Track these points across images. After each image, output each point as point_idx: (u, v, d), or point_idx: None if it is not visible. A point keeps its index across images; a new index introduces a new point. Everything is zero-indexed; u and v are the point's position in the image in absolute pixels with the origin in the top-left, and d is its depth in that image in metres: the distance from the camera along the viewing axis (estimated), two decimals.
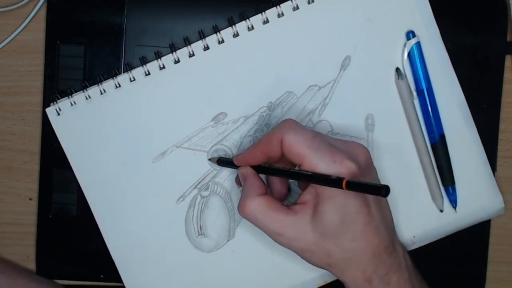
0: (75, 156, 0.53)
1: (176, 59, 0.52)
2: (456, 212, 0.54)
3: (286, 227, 0.44)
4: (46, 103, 0.53)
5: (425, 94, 0.52)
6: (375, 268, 0.44)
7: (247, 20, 0.52)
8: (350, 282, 0.45)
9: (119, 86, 0.52)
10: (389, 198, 0.48)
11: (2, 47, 0.54)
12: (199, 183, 0.53)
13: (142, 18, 0.53)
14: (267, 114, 0.53)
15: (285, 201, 0.51)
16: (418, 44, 0.52)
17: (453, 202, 0.54)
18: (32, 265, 0.56)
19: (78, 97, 0.52)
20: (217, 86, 0.53)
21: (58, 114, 0.53)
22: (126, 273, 0.54)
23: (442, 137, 0.53)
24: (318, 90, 0.53)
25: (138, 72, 0.52)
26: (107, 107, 0.52)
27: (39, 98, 0.54)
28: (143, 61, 0.53)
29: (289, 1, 0.52)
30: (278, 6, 0.52)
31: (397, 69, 0.53)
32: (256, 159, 0.47)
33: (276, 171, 0.46)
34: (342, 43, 0.53)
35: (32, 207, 0.56)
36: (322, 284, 0.54)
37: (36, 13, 0.54)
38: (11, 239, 0.56)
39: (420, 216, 0.54)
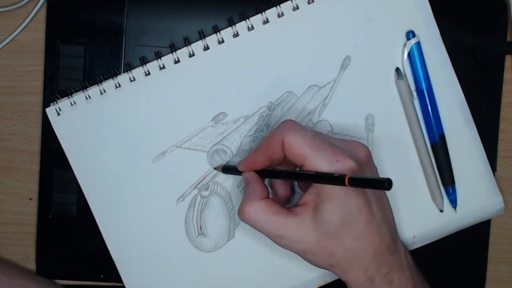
0: (75, 156, 0.53)
1: (176, 59, 0.52)
2: (456, 212, 0.54)
3: (287, 229, 0.44)
4: (46, 103, 0.53)
5: (425, 94, 0.52)
6: (377, 267, 0.44)
7: (247, 20, 0.52)
8: (352, 281, 0.45)
9: (119, 86, 0.52)
10: (389, 197, 0.48)
11: (2, 47, 0.54)
12: (199, 183, 0.53)
13: (142, 18, 0.53)
14: (267, 114, 0.53)
15: (290, 203, 0.51)
16: (418, 44, 0.52)
17: (453, 202, 0.54)
18: (32, 265, 0.56)
19: (78, 97, 0.52)
20: (217, 86, 0.53)
21: (58, 114, 0.53)
22: (126, 273, 0.54)
23: (442, 137, 0.53)
24: (318, 90, 0.53)
25: (138, 72, 0.52)
26: (107, 107, 0.52)
27: (39, 98, 0.54)
28: (143, 61, 0.53)
29: (289, 1, 0.52)
30: (278, 6, 0.52)
31: (397, 69, 0.53)
32: (259, 163, 0.47)
33: (279, 174, 0.47)
34: (342, 43, 0.53)
35: (32, 207, 0.56)
36: (322, 284, 0.54)
37: (36, 13, 0.54)
38: (11, 239, 0.56)
39: (420, 216, 0.54)
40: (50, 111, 0.53)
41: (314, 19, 0.52)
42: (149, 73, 0.52)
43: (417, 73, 0.52)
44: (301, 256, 0.46)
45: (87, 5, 0.53)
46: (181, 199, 0.53)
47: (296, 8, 0.52)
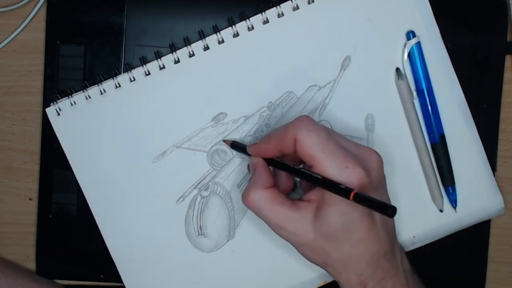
0: (75, 156, 0.53)
1: (176, 59, 0.52)
2: (456, 212, 0.54)
3: (289, 221, 0.45)
4: (46, 103, 0.53)
5: (425, 94, 0.52)
6: (372, 273, 0.44)
7: (247, 20, 0.52)
8: (344, 283, 0.45)
9: (119, 86, 0.52)
10: (389, 198, 0.48)
11: (2, 47, 0.54)
12: (199, 183, 0.53)
13: (142, 18, 0.53)
14: (267, 114, 0.53)
15: (290, 195, 0.51)
16: (418, 44, 0.52)
17: (453, 202, 0.54)
18: (32, 265, 0.56)
19: (78, 97, 0.52)
20: (217, 86, 0.53)
21: (58, 114, 0.53)
22: (126, 273, 0.54)
23: (442, 137, 0.53)
24: (318, 90, 0.53)
25: (138, 72, 0.52)
26: (107, 107, 0.52)
27: (39, 98, 0.54)
28: (143, 61, 0.53)
29: (289, 1, 0.52)
30: (278, 6, 0.52)
31: (397, 69, 0.53)
32: (269, 153, 0.47)
33: (287, 168, 0.46)
34: (342, 43, 0.53)
35: (32, 207, 0.56)
36: (321, 284, 0.54)
37: (36, 13, 0.54)
38: (11, 239, 0.56)
39: (420, 216, 0.54)
40: (50, 111, 0.53)
41: (314, 19, 0.52)
42: (149, 73, 0.52)
43: (417, 73, 0.52)
44: (297, 250, 0.46)
45: (87, 5, 0.53)
46: (181, 199, 0.53)
47: (296, 8, 0.52)
